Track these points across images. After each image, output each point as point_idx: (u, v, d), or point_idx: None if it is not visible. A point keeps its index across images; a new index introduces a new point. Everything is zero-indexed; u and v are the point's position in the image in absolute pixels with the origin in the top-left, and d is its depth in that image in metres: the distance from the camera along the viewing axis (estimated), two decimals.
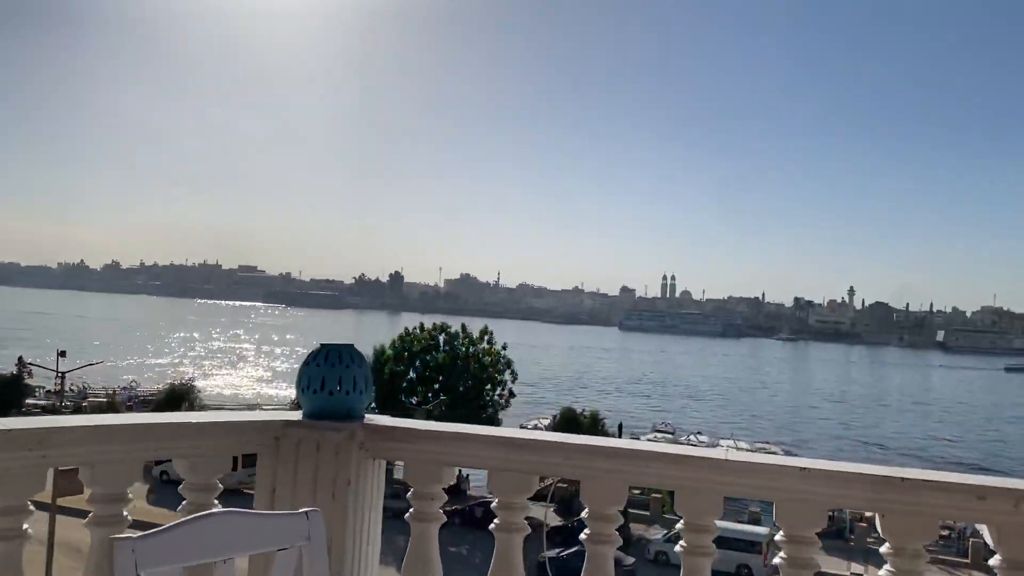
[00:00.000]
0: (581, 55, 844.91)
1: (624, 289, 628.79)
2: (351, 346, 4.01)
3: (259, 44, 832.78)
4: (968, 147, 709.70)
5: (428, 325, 58.91)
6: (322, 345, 4.00)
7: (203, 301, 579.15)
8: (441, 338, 56.65)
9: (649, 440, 76.63)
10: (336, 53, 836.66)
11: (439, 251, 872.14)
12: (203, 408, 65.65)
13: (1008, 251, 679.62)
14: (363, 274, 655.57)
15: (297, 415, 3.93)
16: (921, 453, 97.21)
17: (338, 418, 3.82)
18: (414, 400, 53.02)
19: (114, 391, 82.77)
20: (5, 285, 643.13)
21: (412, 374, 55.78)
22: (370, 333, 61.07)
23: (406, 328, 59.19)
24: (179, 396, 64.05)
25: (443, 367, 54.45)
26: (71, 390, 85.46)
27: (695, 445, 67.37)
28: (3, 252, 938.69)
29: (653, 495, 52.38)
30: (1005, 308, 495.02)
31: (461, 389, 53.94)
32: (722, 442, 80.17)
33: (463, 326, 57.89)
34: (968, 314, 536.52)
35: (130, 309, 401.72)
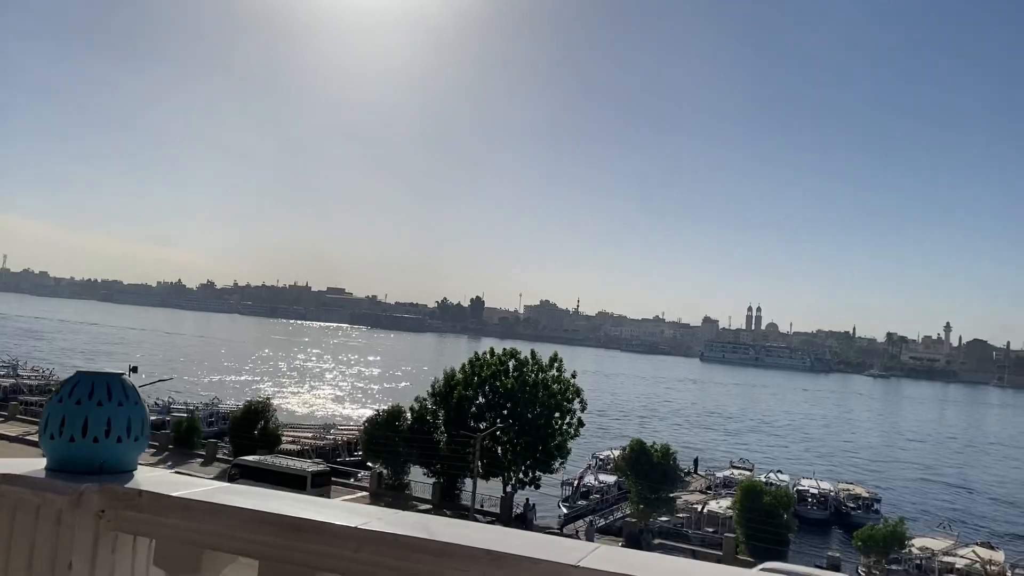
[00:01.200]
0: (657, 85, 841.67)
1: (707, 319, 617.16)
2: (118, 376, 3.05)
3: (346, 70, 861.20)
4: None
5: (508, 349, 58.66)
6: (77, 373, 3.06)
7: (292, 321, 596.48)
8: (511, 364, 56.24)
9: (727, 476, 74.46)
10: (418, 80, 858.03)
11: (520, 277, 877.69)
12: (276, 426, 67.01)
13: None
14: (445, 298, 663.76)
15: (39, 464, 2.95)
16: (1011, 498, 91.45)
17: (82, 472, 2.84)
18: (482, 426, 52.64)
19: (195, 407, 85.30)
20: (109, 302, 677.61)
21: (480, 399, 55.55)
22: (450, 356, 61.12)
23: (476, 352, 59.07)
24: (256, 412, 65.42)
25: (511, 393, 53.97)
26: (156, 405, 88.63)
27: (774, 484, 65.05)
28: (108, 271, 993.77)
29: (726, 534, 50.44)
30: None
31: (529, 416, 53.26)
32: (803, 481, 77.21)
33: (532, 352, 57.29)
34: None
35: (221, 327, 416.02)
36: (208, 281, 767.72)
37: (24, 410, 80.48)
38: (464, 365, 57.68)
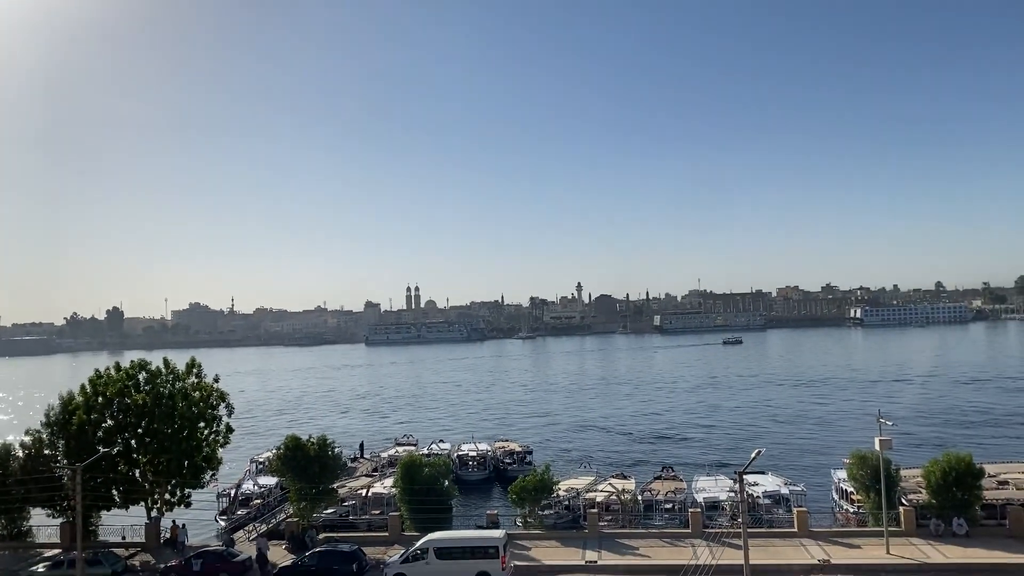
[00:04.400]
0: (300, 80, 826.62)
1: (369, 304, 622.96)
2: None
3: None
4: (659, 146, 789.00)
5: (136, 361, 52.40)
6: None
7: None
8: (141, 377, 50.43)
9: (392, 455, 74.94)
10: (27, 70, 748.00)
11: (164, 281, 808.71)
12: None
13: (707, 237, 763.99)
14: (75, 313, 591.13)
15: None
16: (636, 431, 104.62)
17: None
18: (114, 451, 46.68)
19: None
20: None
21: (109, 421, 49.15)
22: (82, 378, 53.01)
23: (96, 370, 52.04)
24: None
25: (144, 409, 48.40)
26: None
27: (436, 454, 66.72)
28: None
29: (391, 513, 50.43)
30: (708, 290, 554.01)
31: (168, 431, 48.23)
32: (463, 446, 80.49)
33: (165, 360, 51.90)
34: (679, 298, 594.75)
35: None
36: None
37: None
38: (84, 385, 50.68)
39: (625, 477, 63.77)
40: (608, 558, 41.88)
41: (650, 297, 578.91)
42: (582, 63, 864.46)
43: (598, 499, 54.91)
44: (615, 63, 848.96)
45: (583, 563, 41.29)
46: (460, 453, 77.20)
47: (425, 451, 72.59)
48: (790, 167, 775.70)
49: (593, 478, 63.50)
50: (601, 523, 48.41)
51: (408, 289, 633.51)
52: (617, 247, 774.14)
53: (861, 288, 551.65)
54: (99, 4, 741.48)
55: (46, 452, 49.20)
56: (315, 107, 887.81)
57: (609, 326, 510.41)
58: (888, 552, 40.68)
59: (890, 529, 42.26)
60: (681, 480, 62.41)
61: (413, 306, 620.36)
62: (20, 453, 49.30)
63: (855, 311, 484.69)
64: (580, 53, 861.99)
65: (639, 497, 55.62)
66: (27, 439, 50.12)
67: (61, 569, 40.94)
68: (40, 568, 42.10)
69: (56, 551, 46.93)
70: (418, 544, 40.42)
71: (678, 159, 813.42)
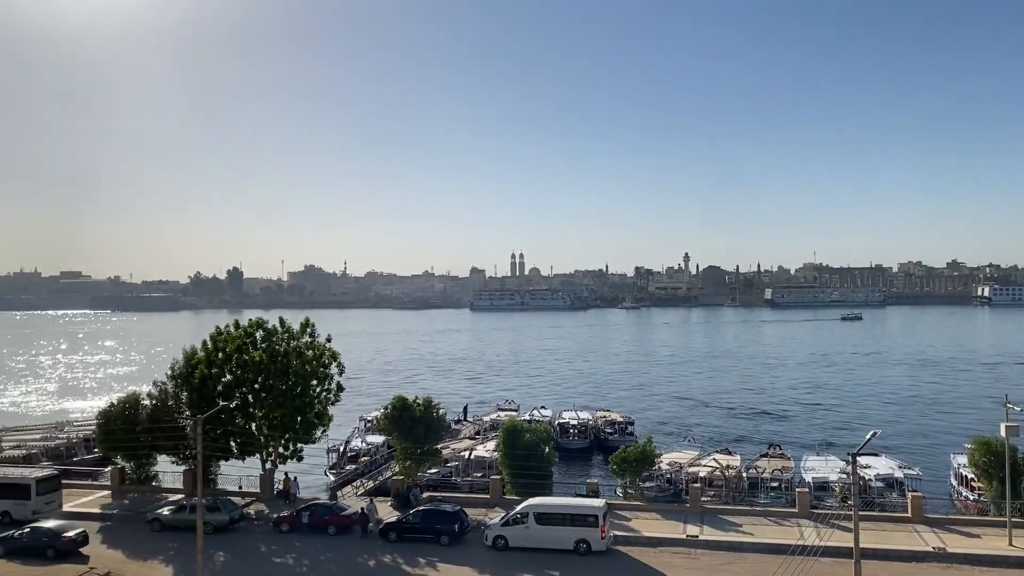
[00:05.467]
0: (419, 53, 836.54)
1: (474, 270, 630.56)
2: None
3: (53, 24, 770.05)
4: (783, 111, 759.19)
5: (254, 320, 54.69)
6: None
7: (20, 313, 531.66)
8: (258, 335, 52.59)
9: (494, 419, 75.90)
10: (133, 42, 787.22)
11: (281, 243, 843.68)
12: None
13: (825, 209, 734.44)
14: (199, 273, 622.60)
15: None
16: (742, 406, 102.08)
17: None
18: (233, 405, 48.96)
19: None
20: None
21: (227, 375, 51.57)
22: (204, 335, 55.89)
23: (217, 327, 54.57)
24: None
25: (261, 366, 50.55)
26: None
27: (536, 420, 67.10)
28: None
29: (492, 477, 51.10)
30: (824, 264, 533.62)
31: (283, 388, 50.22)
32: (564, 414, 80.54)
33: (281, 319, 53.88)
34: (792, 271, 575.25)
35: None
36: None
37: None
38: (206, 341, 53.27)
39: (730, 453, 62.54)
40: (710, 533, 41.20)
41: (761, 269, 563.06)
42: (692, 28, 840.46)
43: (701, 474, 54.05)
44: (727, 26, 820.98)
45: (684, 537, 40.76)
46: (561, 421, 77.40)
47: (526, 417, 73.12)
48: (914, 132, 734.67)
49: (696, 452, 62.55)
50: (704, 498, 47.64)
51: (513, 256, 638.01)
52: (727, 218, 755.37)
53: (991, 265, 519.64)
54: None
55: (171, 403, 52.11)
56: (427, 74, 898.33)
57: (716, 298, 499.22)
58: (1011, 544, 38.36)
59: (1014, 520, 39.83)
60: (788, 459, 60.74)
61: (517, 273, 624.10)
62: (148, 403, 52.46)
63: (983, 289, 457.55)
64: (691, 18, 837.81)
65: (744, 474, 54.50)
66: (154, 390, 53.27)
67: (183, 513, 43.50)
68: (165, 511, 44.87)
69: (179, 496, 49.87)
70: (518, 508, 40.82)
71: (789, 126, 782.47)
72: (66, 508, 47.18)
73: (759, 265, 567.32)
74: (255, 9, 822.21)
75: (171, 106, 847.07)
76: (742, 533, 41.22)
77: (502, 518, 41.18)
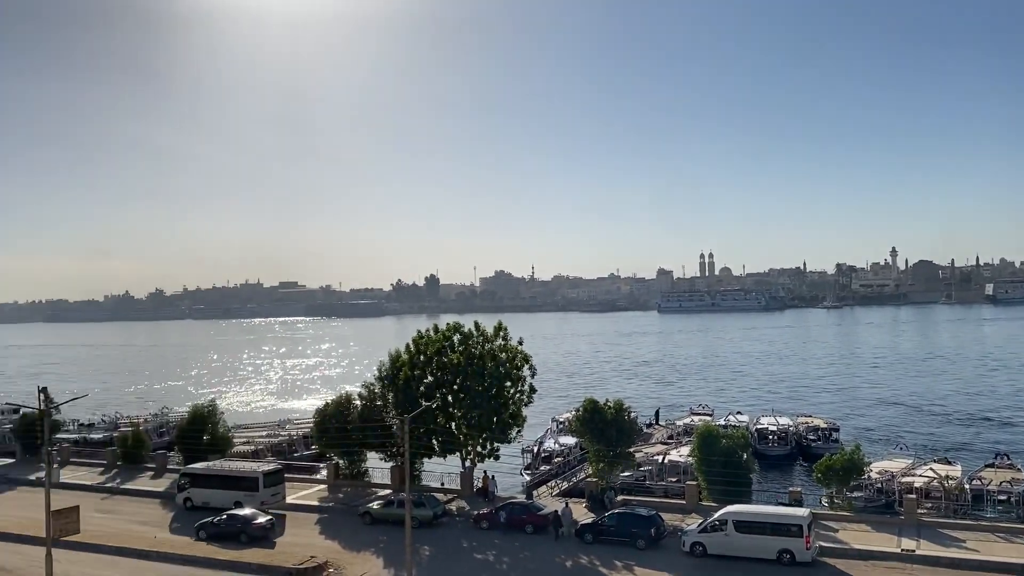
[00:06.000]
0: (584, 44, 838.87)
1: (661, 271, 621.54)
2: None
3: (272, 57, 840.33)
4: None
5: (451, 324, 57.21)
6: None
7: (246, 320, 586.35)
8: (455, 338, 54.89)
9: (687, 423, 74.48)
10: (347, 68, 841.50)
11: (473, 251, 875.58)
12: (226, 429, 64.79)
13: None
14: (399, 280, 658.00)
15: None
16: (963, 413, 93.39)
17: None
18: (434, 405, 51.34)
19: (143, 419, 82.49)
20: (56, 322, 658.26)
21: (428, 377, 54.22)
22: (406, 338, 59.36)
23: (418, 331, 57.54)
24: (202, 417, 63.21)
25: (458, 368, 52.75)
26: (103, 421, 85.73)
27: (732, 425, 65.09)
28: (52, 290, 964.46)
29: (688, 482, 50.19)
30: None
31: (479, 389, 52.11)
32: (762, 419, 77.50)
33: (476, 324, 55.92)
34: (1017, 264, 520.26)
35: (173, 334, 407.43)
36: (157, 289, 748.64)
37: None
38: (408, 345, 56.29)
39: (949, 462, 57.57)
40: (928, 548, 38.15)
41: (980, 263, 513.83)
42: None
43: (917, 484, 50.17)
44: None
45: (898, 551, 38.00)
46: (759, 426, 74.56)
47: (722, 422, 71.09)
48: None
49: (910, 461, 58.13)
50: (920, 510, 44.23)
51: (702, 256, 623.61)
52: (937, 208, 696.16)
53: None
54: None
55: (378, 403, 55.53)
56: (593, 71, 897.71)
57: (929, 295, 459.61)
58: None
59: None
60: (1019, 469, 55.08)
61: (707, 273, 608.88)
62: (358, 403, 56.23)
63: None
64: None
65: (966, 485, 50.03)
66: (363, 390, 57.00)
67: (392, 508, 46.14)
68: (375, 505, 47.80)
69: (387, 491, 52.90)
70: (717, 515, 39.82)
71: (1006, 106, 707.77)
72: (288, 500, 51.33)
73: (977, 258, 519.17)
74: (438, 28, 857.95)
75: (372, 129, 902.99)
76: (966, 550, 37.84)
77: (700, 524, 40.35)
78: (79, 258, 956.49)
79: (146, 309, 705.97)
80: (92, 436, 77.12)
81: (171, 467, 62.22)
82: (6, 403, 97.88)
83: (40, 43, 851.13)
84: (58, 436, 70.04)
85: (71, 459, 67.53)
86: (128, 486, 58.60)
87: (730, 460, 47.66)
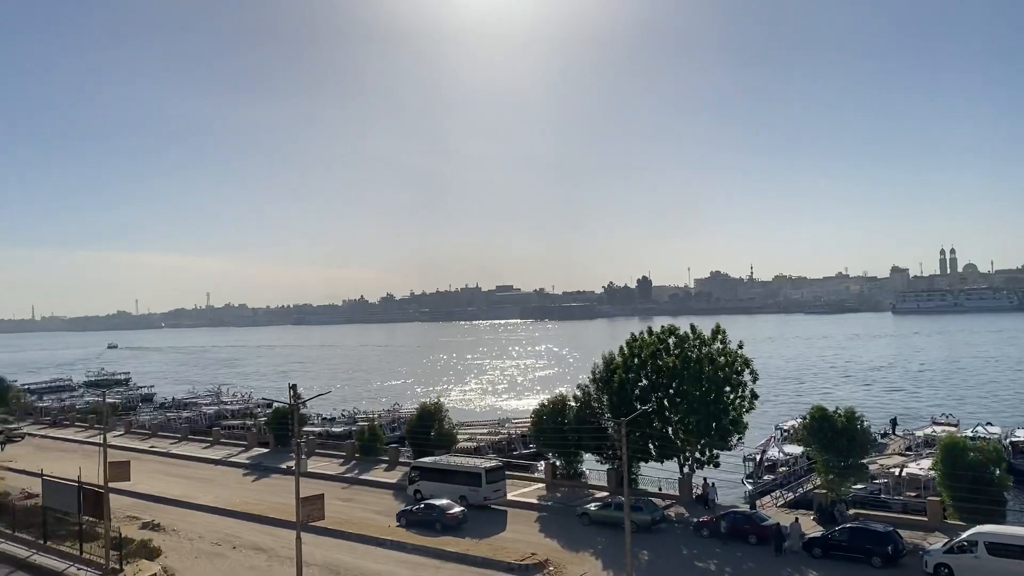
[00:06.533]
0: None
1: (895, 269, 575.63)
2: None
3: (480, 76, 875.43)
4: None
5: (666, 327, 56.47)
6: None
7: (465, 323, 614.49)
8: (671, 341, 53.99)
9: (928, 434, 68.45)
10: (542, 74, 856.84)
11: (687, 252, 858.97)
12: (451, 426, 68.16)
13: None
14: (611, 283, 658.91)
15: None
16: None
17: None
18: (650, 409, 50.83)
19: (378, 415, 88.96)
20: (302, 324, 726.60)
21: (643, 380, 53.74)
22: (619, 341, 59.66)
23: (632, 333, 57.21)
24: (430, 414, 66.97)
25: (674, 371, 51.81)
26: (342, 416, 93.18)
27: (983, 438, 58.87)
28: (298, 295, 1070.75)
29: (930, 497, 46.09)
30: None
31: (697, 393, 50.85)
32: (1018, 432, 69.63)
33: (692, 326, 54.62)
34: None
35: (402, 336, 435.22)
36: (388, 294, 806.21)
37: (227, 434, 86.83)
38: (622, 347, 56.16)
39: None
40: None
41: None
42: None
43: None
44: None
45: None
46: (1015, 439, 66.88)
47: (969, 433, 64.46)
48: None
49: None
50: None
51: (942, 252, 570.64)
52: None
53: None
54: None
55: (593, 404, 55.92)
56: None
57: None
58: None
59: None
60: None
61: (948, 271, 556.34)
62: (573, 404, 56.96)
63: None
64: None
65: None
66: (578, 392, 57.66)
67: (609, 510, 46.30)
68: (592, 506, 48.19)
69: (604, 493, 53.14)
70: (966, 534, 36.21)
71: None
72: (509, 497, 52.93)
73: None
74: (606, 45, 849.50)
75: (563, 136, 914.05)
76: None
77: (945, 544, 36.91)
78: (320, 267, 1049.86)
79: (378, 312, 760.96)
80: (333, 430, 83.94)
81: (402, 460, 66.55)
82: (262, 398, 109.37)
83: (290, 66, 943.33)
84: (305, 429, 77.02)
85: (316, 450, 73.98)
86: (365, 477, 63.28)
87: (980, 475, 43.21)
